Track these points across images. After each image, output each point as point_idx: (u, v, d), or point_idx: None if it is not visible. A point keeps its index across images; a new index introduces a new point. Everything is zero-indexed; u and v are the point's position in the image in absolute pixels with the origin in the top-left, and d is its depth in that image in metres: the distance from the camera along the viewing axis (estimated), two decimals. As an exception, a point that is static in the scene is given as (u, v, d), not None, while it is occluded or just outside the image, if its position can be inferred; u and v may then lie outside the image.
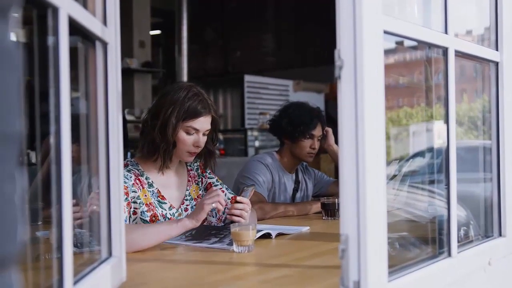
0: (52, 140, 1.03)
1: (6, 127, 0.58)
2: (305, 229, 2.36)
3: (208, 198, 2.00)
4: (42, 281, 1.15)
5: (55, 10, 1.00)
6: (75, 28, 1.13)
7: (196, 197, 2.38)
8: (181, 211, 2.30)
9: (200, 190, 2.41)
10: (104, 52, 1.36)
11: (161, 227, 2.01)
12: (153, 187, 2.24)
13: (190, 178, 2.40)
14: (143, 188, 2.20)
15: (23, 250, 0.62)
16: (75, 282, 1.10)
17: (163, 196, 2.25)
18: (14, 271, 0.60)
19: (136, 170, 2.21)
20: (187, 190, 2.36)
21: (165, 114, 2.17)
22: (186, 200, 2.35)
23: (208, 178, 2.45)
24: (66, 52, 1.03)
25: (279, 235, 2.19)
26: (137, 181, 2.19)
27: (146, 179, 2.24)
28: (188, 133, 2.20)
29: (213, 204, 1.98)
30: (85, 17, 1.18)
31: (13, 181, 0.59)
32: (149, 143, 2.21)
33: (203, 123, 2.22)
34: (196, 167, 2.44)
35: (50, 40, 1.03)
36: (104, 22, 1.36)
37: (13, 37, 0.61)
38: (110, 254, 1.38)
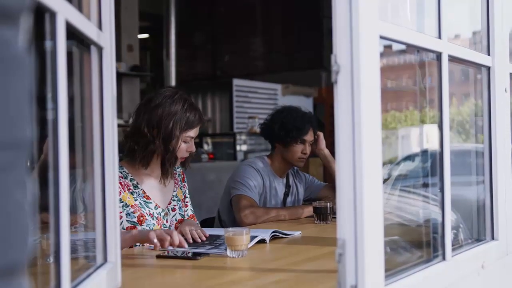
0: (49, 144, 1.02)
1: (17, 134, 0.58)
2: (297, 233, 2.36)
3: (158, 235, 1.95)
4: (38, 286, 1.14)
5: (53, 15, 1.00)
6: (71, 33, 1.12)
7: (181, 199, 2.47)
8: (168, 210, 2.38)
9: (182, 194, 2.50)
10: (99, 57, 1.36)
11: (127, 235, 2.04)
12: (139, 188, 2.30)
13: (176, 180, 2.48)
14: (125, 191, 2.25)
15: (32, 256, 0.61)
16: (72, 288, 1.09)
17: (148, 196, 2.31)
18: (25, 277, 0.59)
19: (119, 173, 2.23)
20: (174, 191, 2.44)
21: (167, 127, 2.24)
22: (174, 200, 2.43)
23: (186, 188, 2.55)
24: (63, 56, 1.03)
25: (274, 238, 2.19)
26: (119, 184, 2.21)
27: (130, 180, 2.29)
28: (185, 142, 2.31)
29: (155, 240, 1.92)
30: (81, 22, 1.17)
31: (24, 187, 0.59)
32: (149, 154, 2.26)
33: (197, 130, 2.36)
34: (178, 173, 2.52)
35: (47, 44, 1.02)
36: (100, 26, 1.35)
37: (23, 43, 0.60)
38: (105, 259, 1.37)
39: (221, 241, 2.10)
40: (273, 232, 2.20)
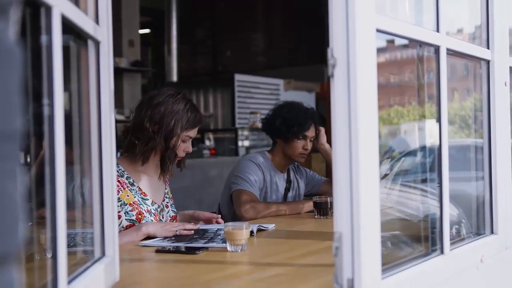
0: (45, 140, 1.03)
1: (8, 125, 0.58)
2: (272, 226, 2.39)
3: (174, 226, 2.16)
4: (36, 281, 1.15)
5: (48, 9, 1.00)
6: (67, 27, 1.12)
7: (171, 197, 2.51)
8: (163, 206, 2.42)
9: (170, 193, 2.54)
10: (97, 51, 1.36)
11: (122, 239, 2.06)
12: (135, 185, 2.32)
13: (166, 180, 2.51)
14: (124, 189, 2.27)
15: (22, 248, 0.62)
16: (69, 282, 1.09)
17: (144, 193, 2.34)
18: (15, 268, 0.60)
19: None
20: (166, 188, 2.48)
21: (169, 124, 2.27)
22: (166, 197, 2.47)
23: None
24: (59, 51, 1.03)
25: (259, 230, 2.23)
26: (117, 182, 2.22)
27: (126, 178, 2.31)
28: (183, 141, 2.34)
29: (177, 232, 2.14)
30: (78, 16, 1.17)
31: (14, 178, 0.59)
32: (149, 149, 2.28)
33: (196, 131, 2.39)
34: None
35: (43, 38, 1.02)
36: (97, 20, 1.35)
37: (13, 35, 0.61)
38: (103, 253, 1.37)
39: (211, 234, 2.12)
40: (258, 228, 2.24)
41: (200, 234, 2.15)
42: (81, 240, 1.47)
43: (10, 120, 0.59)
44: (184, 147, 2.35)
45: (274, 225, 2.41)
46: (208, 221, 2.44)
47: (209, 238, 2.07)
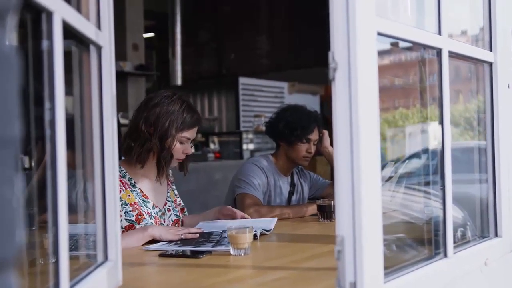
0: (47, 144, 1.03)
1: (5, 131, 0.58)
2: (274, 220, 2.42)
3: (179, 230, 2.17)
4: (38, 286, 1.15)
5: (49, 14, 1.00)
6: (69, 32, 1.13)
7: (173, 200, 2.50)
8: (165, 210, 2.42)
9: (175, 196, 2.53)
10: (99, 56, 1.36)
11: (127, 240, 2.06)
12: (136, 187, 2.32)
13: (169, 183, 2.51)
14: (126, 189, 2.28)
15: (20, 254, 0.62)
16: (71, 286, 1.10)
17: (146, 195, 2.34)
18: (13, 274, 0.60)
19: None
20: (168, 192, 2.48)
21: (163, 125, 2.27)
22: (168, 201, 2.46)
23: (175, 190, 2.57)
24: (60, 56, 1.03)
25: (262, 234, 2.23)
26: (119, 182, 2.23)
27: (128, 180, 2.32)
28: (181, 142, 2.33)
29: (182, 236, 2.13)
30: (79, 21, 1.17)
31: (12, 184, 0.59)
32: (145, 151, 2.28)
33: (195, 132, 2.38)
34: (170, 175, 2.56)
35: (44, 44, 1.03)
36: (98, 26, 1.36)
37: (10, 41, 0.61)
38: (106, 258, 1.37)
39: (217, 237, 2.12)
40: (261, 232, 2.23)
41: (206, 237, 2.15)
42: (83, 244, 1.47)
43: (8, 126, 0.59)
44: (182, 149, 2.33)
45: (275, 218, 2.43)
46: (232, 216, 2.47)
47: (215, 241, 2.07)
